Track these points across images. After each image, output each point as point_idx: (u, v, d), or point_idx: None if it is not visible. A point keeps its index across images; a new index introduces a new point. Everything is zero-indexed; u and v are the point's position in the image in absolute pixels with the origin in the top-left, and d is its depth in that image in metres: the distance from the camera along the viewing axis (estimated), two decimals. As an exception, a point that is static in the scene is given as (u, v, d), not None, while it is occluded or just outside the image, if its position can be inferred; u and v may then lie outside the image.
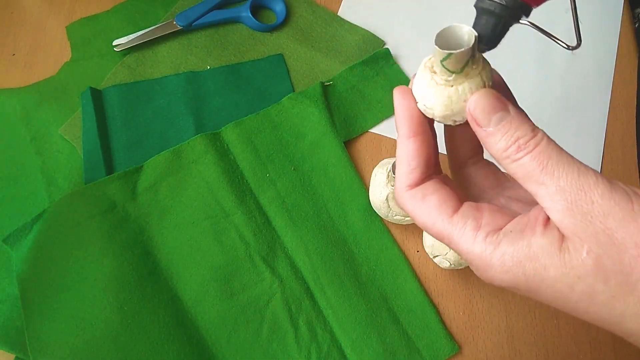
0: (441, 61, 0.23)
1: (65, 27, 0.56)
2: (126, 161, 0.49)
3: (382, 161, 0.45)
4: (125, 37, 0.54)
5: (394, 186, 0.42)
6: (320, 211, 0.48)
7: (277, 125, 0.50)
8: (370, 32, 0.56)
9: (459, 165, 0.29)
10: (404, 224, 0.45)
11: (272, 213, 0.47)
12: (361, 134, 0.52)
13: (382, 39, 0.56)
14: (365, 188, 0.48)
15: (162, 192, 0.48)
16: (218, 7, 0.55)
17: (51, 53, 0.55)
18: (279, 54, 0.55)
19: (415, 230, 0.48)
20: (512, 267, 0.22)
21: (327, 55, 0.54)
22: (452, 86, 0.23)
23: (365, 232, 0.47)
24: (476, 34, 0.23)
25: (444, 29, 0.23)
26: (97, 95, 0.51)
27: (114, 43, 0.54)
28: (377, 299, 0.44)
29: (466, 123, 0.24)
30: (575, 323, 0.45)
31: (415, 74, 0.26)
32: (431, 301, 0.45)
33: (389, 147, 0.51)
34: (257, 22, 0.55)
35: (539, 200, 0.22)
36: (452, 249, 0.24)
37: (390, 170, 0.42)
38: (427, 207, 0.24)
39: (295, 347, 0.43)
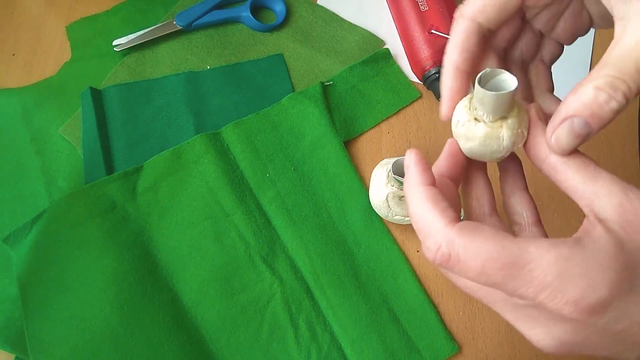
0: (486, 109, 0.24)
1: (65, 27, 0.56)
2: (126, 161, 0.49)
3: (382, 161, 0.45)
4: (125, 37, 0.54)
5: (393, 186, 0.42)
6: (320, 211, 0.48)
7: (277, 125, 0.50)
8: (370, 32, 0.56)
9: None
10: (404, 224, 0.45)
11: (272, 213, 0.47)
12: (361, 134, 0.52)
13: (382, 39, 0.56)
14: (365, 188, 0.48)
15: (162, 192, 0.48)
16: (218, 7, 0.55)
17: (51, 53, 0.55)
18: (279, 53, 0.55)
19: (415, 230, 0.47)
20: (611, 260, 0.20)
21: (327, 55, 0.54)
22: (491, 127, 0.24)
23: (365, 232, 0.47)
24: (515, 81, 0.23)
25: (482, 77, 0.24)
26: (97, 95, 0.51)
27: (114, 43, 0.54)
28: (377, 299, 0.44)
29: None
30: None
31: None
32: (431, 301, 0.45)
33: (389, 147, 0.51)
34: (257, 22, 0.55)
35: (594, 188, 0.22)
36: (525, 277, 0.20)
37: (390, 170, 0.42)
38: (485, 236, 0.21)
39: (295, 347, 0.43)
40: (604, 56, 0.22)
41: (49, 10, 0.58)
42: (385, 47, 0.55)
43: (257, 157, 0.49)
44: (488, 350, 0.44)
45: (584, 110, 0.21)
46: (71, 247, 0.44)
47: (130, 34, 0.54)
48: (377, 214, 0.47)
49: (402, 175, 0.42)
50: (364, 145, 0.51)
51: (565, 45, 0.32)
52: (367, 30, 0.56)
